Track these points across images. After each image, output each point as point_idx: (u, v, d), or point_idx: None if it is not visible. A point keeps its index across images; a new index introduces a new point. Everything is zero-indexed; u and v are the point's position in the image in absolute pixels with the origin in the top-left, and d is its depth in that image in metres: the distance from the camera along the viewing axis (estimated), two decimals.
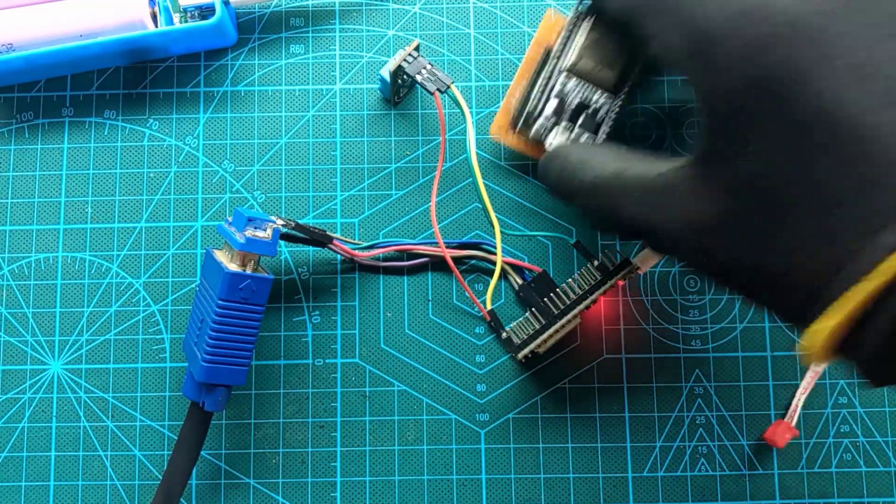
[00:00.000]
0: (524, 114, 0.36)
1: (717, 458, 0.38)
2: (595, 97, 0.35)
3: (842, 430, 0.38)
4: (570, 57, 0.35)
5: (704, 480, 0.38)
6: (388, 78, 0.37)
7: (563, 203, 0.37)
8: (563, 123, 0.36)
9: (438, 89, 0.36)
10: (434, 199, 0.37)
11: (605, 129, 0.35)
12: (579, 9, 0.36)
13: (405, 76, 0.37)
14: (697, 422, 0.38)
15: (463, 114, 0.36)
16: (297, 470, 0.38)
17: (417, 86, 0.39)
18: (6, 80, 0.40)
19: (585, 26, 0.35)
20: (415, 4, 0.41)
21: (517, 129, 0.37)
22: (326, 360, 0.39)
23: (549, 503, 0.38)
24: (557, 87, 0.36)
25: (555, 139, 0.36)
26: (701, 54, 0.26)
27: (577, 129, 0.35)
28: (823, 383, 0.38)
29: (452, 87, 0.36)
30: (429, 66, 0.37)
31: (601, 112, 0.35)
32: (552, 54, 0.36)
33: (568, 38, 0.36)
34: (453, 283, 0.39)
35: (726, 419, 0.38)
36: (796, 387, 0.38)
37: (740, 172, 0.25)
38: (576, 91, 0.35)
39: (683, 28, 0.26)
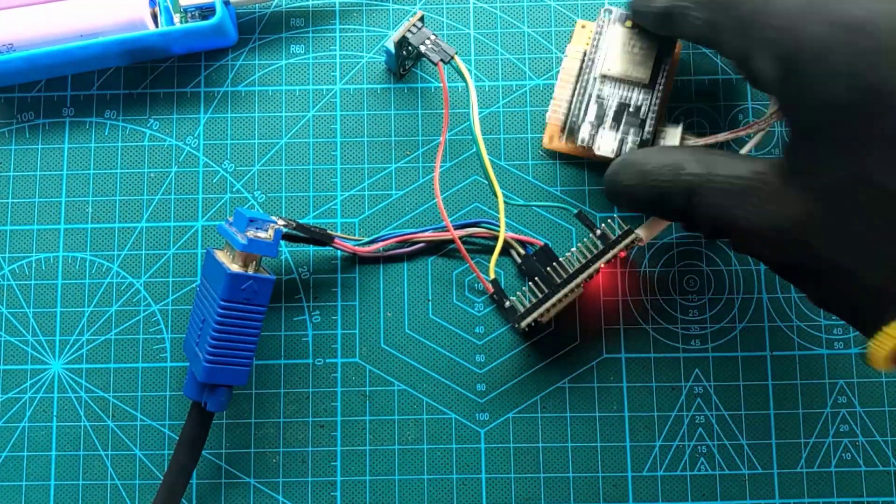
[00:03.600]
0: (568, 123, 0.37)
1: (716, 457, 0.38)
2: (633, 95, 0.36)
3: (841, 430, 0.38)
4: (602, 63, 0.36)
5: (704, 480, 0.38)
6: (392, 49, 0.38)
7: (628, 206, 0.35)
8: (608, 127, 0.36)
9: (442, 60, 0.36)
10: (438, 168, 0.38)
11: (650, 123, 0.36)
12: (609, 17, 0.37)
13: (409, 47, 0.37)
14: (697, 421, 0.38)
15: (466, 85, 0.36)
16: (298, 469, 0.38)
17: (418, 68, 0.39)
18: (6, 80, 0.40)
19: (613, 30, 0.36)
20: (415, 4, 0.42)
21: (565, 138, 0.38)
22: (326, 360, 0.39)
23: (548, 503, 0.38)
24: (595, 93, 0.36)
25: (602, 143, 0.36)
26: (798, 72, 0.27)
27: (622, 130, 0.36)
28: (823, 383, 0.38)
29: (456, 57, 0.36)
30: (433, 37, 0.37)
31: (643, 109, 0.36)
32: (585, 62, 0.37)
33: (597, 43, 0.37)
34: (454, 278, 0.39)
35: (726, 419, 0.38)
36: (796, 386, 0.38)
37: (838, 178, 0.26)
38: (613, 94, 0.36)
39: (778, 48, 0.27)
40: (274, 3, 0.41)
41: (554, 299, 0.36)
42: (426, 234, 0.39)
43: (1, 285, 0.39)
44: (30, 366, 0.39)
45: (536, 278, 0.36)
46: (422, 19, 0.37)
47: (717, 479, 0.38)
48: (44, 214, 0.40)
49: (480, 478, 0.38)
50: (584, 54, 0.37)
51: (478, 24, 0.41)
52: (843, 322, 0.39)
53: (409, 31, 0.37)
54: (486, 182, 0.36)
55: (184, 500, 0.38)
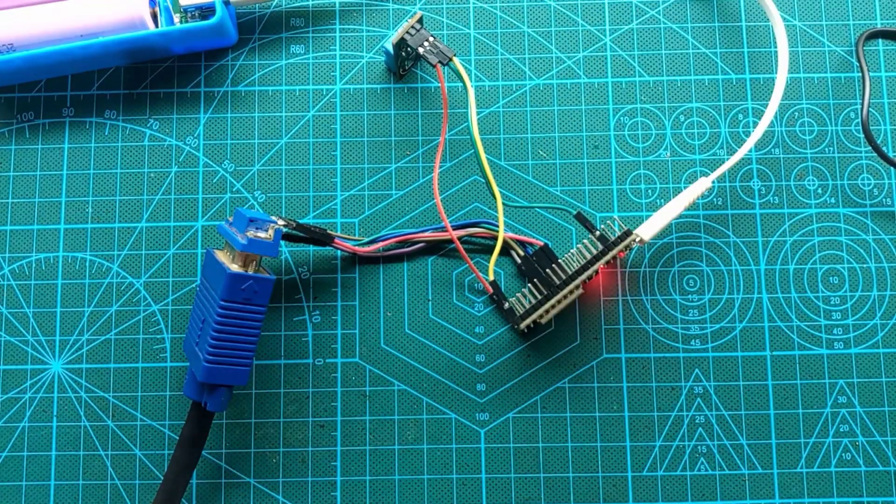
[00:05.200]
0: None
1: (716, 457, 0.38)
2: None
3: (841, 430, 0.38)
4: None
5: (704, 480, 0.38)
6: (391, 50, 0.38)
7: None
8: None
9: (440, 62, 0.36)
10: (437, 168, 0.38)
11: None
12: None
13: (408, 48, 0.37)
14: (697, 421, 0.38)
15: (465, 86, 0.36)
16: (298, 469, 0.38)
17: (418, 68, 0.39)
18: (7, 80, 0.40)
19: None
20: (415, 4, 0.42)
21: None
22: (326, 360, 0.39)
23: (548, 503, 0.38)
24: None
25: None
26: None
27: None
28: (823, 383, 0.38)
29: (454, 59, 0.36)
30: (431, 39, 0.37)
31: None
32: None
33: None
34: (454, 278, 0.39)
35: (725, 419, 0.38)
36: (796, 386, 0.38)
37: None
38: None
39: None
40: (274, 3, 0.41)
41: (553, 300, 0.36)
42: (426, 234, 0.39)
43: (1, 285, 0.39)
44: (30, 366, 0.39)
45: (536, 279, 0.36)
46: (420, 21, 0.37)
47: (717, 479, 0.38)
48: (44, 214, 0.40)
49: (480, 478, 0.38)
50: None
51: (478, 24, 0.41)
52: (843, 322, 0.39)
53: (407, 32, 0.37)
54: (486, 183, 0.36)
55: (184, 500, 0.38)
